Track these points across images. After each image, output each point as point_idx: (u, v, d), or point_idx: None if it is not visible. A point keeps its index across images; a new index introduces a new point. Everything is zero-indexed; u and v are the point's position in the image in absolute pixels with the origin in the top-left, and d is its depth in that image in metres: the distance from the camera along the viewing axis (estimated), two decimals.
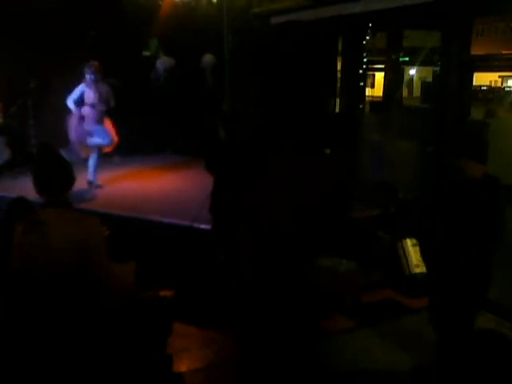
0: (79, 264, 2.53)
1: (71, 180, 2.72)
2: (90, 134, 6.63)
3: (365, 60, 6.84)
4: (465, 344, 3.38)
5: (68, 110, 6.53)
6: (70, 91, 6.48)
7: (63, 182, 2.68)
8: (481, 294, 3.34)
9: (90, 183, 6.77)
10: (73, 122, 6.55)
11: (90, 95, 6.50)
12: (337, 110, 7.05)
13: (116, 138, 6.92)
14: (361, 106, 7.01)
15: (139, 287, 3.13)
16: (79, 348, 2.56)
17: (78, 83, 6.48)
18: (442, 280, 3.31)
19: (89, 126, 6.59)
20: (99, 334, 2.63)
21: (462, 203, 3.16)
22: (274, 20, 6.91)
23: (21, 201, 3.25)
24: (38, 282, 2.54)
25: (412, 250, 5.05)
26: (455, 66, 5.13)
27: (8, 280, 2.63)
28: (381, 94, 8.50)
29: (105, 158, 8.96)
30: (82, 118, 6.54)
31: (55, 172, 2.66)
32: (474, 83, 5.80)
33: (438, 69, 5.86)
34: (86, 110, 6.54)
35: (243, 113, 6.60)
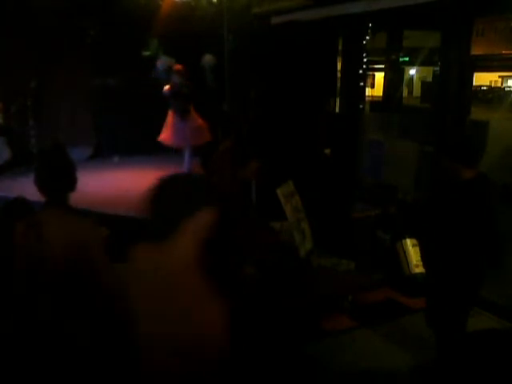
0: (78, 265, 2.53)
1: (73, 181, 2.70)
2: None
3: (365, 60, 6.84)
4: (462, 343, 3.37)
5: None
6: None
7: (64, 182, 2.65)
8: (475, 293, 3.34)
9: None
10: None
11: None
12: (337, 110, 7.04)
13: None
14: (361, 106, 7.01)
15: None
16: (79, 348, 2.56)
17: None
18: (440, 280, 3.30)
19: None
20: (100, 334, 2.63)
21: (453, 204, 3.16)
22: (274, 20, 6.90)
23: (19, 201, 3.25)
24: (40, 282, 2.54)
25: (412, 250, 5.04)
26: (455, 66, 5.12)
27: (11, 280, 2.64)
28: (381, 94, 8.52)
29: (105, 157, 9.02)
30: None
31: (57, 172, 2.64)
32: (474, 83, 5.81)
33: (437, 69, 5.86)
34: None
35: (243, 113, 6.59)
